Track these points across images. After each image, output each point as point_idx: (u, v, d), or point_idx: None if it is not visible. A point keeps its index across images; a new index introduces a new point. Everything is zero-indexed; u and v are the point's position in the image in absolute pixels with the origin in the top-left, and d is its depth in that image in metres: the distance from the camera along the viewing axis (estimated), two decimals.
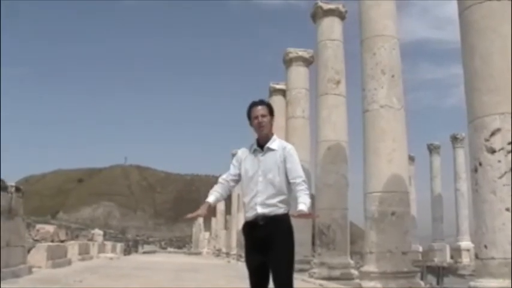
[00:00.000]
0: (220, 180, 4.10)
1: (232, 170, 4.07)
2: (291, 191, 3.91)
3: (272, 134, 4.00)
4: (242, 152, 4.07)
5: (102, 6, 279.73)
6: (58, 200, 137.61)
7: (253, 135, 4.08)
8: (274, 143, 3.95)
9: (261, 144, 3.96)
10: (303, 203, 3.73)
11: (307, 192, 3.83)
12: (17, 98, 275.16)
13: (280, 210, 3.83)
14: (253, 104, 4.02)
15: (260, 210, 3.81)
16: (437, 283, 23.85)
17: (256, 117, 3.95)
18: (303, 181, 3.85)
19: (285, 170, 3.87)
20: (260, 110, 3.97)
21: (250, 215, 3.87)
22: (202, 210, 3.97)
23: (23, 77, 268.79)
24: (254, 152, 3.97)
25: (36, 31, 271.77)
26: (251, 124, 4.01)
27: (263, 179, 3.86)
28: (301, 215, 3.69)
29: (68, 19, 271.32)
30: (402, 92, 10.38)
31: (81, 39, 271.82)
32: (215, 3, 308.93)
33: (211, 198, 4.03)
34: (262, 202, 3.82)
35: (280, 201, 3.84)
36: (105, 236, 35.18)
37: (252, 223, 3.86)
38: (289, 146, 3.98)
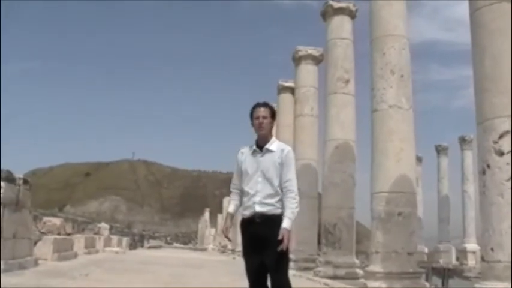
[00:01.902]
0: (233, 190, 4.20)
1: (238, 184, 4.14)
2: None
3: (271, 136, 4.11)
4: (241, 154, 4.15)
5: (119, 3, 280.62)
6: (65, 193, 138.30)
7: (254, 136, 4.16)
8: (273, 144, 4.06)
9: (260, 146, 4.06)
10: (288, 218, 3.84)
11: (294, 201, 3.91)
12: (25, 92, 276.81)
13: (278, 210, 3.92)
14: (256, 105, 4.14)
15: (258, 208, 3.92)
16: (443, 285, 23.76)
17: (258, 118, 4.06)
18: (292, 188, 3.93)
19: (281, 171, 3.96)
20: (262, 111, 4.08)
21: (248, 213, 3.98)
22: (228, 222, 4.23)
23: (31, 71, 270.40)
24: (253, 152, 4.07)
25: (47, 25, 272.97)
26: (252, 124, 4.12)
27: (262, 179, 3.96)
28: (283, 238, 3.76)
29: (84, 12, 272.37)
30: (411, 92, 10.33)
31: (92, 33, 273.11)
32: (227, 3, 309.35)
33: (231, 208, 4.22)
34: (260, 201, 3.92)
35: (278, 201, 3.94)
36: (111, 230, 35.26)
37: (249, 220, 3.97)
38: (287, 149, 4.07)
